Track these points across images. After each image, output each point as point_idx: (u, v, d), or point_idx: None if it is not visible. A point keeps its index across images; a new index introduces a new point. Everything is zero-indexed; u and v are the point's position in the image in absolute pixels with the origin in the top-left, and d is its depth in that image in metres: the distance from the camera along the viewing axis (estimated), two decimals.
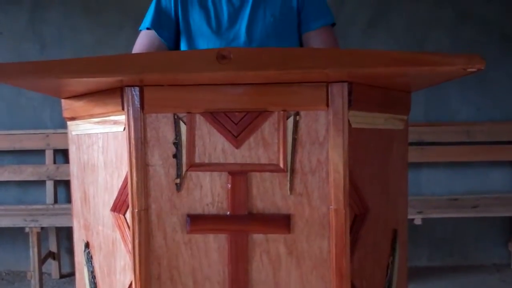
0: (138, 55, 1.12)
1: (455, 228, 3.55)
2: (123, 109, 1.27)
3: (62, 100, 1.52)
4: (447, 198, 3.47)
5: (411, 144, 3.25)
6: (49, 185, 3.53)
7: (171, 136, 1.27)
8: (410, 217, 3.09)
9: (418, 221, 3.20)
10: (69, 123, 1.53)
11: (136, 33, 3.09)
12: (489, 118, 3.42)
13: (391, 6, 3.20)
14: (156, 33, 1.94)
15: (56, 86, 1.25)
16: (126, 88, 1.25)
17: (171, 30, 1.95)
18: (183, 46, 1.94)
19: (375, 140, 1.38)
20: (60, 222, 3.23)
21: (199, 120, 1.26)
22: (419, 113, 3.33)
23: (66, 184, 3.47)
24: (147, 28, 1.97)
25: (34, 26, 3.21)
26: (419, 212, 3.22)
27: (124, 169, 1.29)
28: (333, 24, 1.96)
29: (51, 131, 3.37)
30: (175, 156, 1.27)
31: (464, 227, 3.55)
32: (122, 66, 1.10)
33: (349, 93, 1.23)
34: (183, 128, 1.26)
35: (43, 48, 3.24)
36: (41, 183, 3.46)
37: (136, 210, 1.26)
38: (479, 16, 3.20)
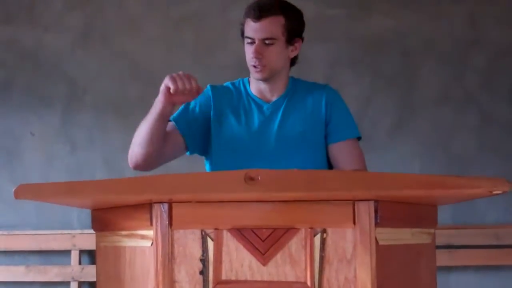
0: (167, 176, 1.14)
1: None
2: (151, 224, 1.29)
3: (91, 211, 1.54)
4: None
5: (439, 247, 3.20)
6: (74, 287, 3.51)
7: (198, 253, 1.27)
8: None
9: None
10: (97, 233, 1.54)
11: None
12: None
13: (415, 109, 3.24)
14: (176, 127, 1.93)
15: (87, 203, 1.28)
16: (154, 204, 1.26)
17: (196, 130, 1.95)
18: (213, 152, 1.97)
19: (403, 255, 1.37)
20: None
21: (226, 236, 1.27)
22: (447, 215, 3.30)
23: (91, 285, 3.45)
24: (171, 120, 1.95)
25: (65, 127, 3.30)
26: None
27: (151, 284, 1.29)
28: (359, 138, 1.99)
29: (78, 231, 3.40)
30: (201, 272, 1.27)
31: None
32: (151, 187, 1.12)
33: (376, 211, 1.24)
34: (210, 244, 1.27)
35: (73, 150, 3.31)
36: (66, 284, 3.45)
37: None
38: (504, 119, 3.23)
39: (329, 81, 3.22)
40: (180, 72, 1.76)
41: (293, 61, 1.99)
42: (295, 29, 1.91)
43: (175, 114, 1.95)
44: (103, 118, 3.29)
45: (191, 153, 2.00)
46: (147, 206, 1.28)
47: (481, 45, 3.23)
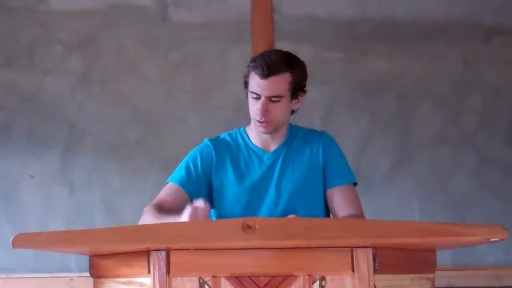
0: (165, 225, 1.15)
1: None
2: (149, 272, 1.29)
3: (89, 257, 1.53)
4: None
5: None
6: None
7: None
8: None
9: None
10: (95, 279, 1.54)
11: (163, 178, 3.14)
12: None
13: (413, 150, 3.25)
14: (182, 188, 1.98)
15: (85, 251, 1.28)
16: (152, 251, 1.27)
17: (200, 188, 1.99)
18: (216, 205, 1.99)
19: None
20: None
21: (224, 284, 1.27)
22: (446, 257, 3.28)
23: None
24: (174, 182, 2.01)
25: (64, 170, 3.30)
26: None
27: None
28: (355, 183, 2.02)
29: (76, 274, 3.37)
30: None
31: None
32: (149, 236, 1.12)
33: (374, 258, 1.24)
34: None
35: (72, 192, 3.31)
36: None
37: None
38: (501, 159, 3.23)
39: (326, 122, 3.27)
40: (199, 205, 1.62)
41: (292, 113, 2.03)
42: (300, 83, 1.94)
43: (178, 176, 2.01)
44: (102, 161, 3.30)
45: None
46: (145, 254, 1.28)
47: (477, 86, 3.26)
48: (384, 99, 3.24)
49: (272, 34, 3.24)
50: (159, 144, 3.29)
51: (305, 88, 1.99)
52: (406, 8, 3.23)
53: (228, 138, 2.07)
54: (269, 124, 1.92)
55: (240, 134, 2.07)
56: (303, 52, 3.22)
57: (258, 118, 1.91)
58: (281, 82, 1.89)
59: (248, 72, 1.94)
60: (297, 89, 1.94)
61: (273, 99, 1.89)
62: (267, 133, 1.96)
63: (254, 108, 1.91)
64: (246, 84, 1.96)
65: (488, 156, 3.25)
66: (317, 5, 3.25)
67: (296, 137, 2.04)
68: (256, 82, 1.90)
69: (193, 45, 3.28)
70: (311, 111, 3.23)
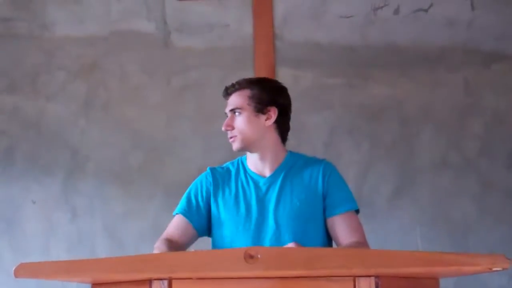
0: (167, 255, 1.15)
1: None
2: None
3: (91, 286, 1.53)
4: None
5: None
6: None
7: None
8: None
9: None
10: None
11: (165, 204, 3.17)
12: None
13: (415, 176, 3.25)
14: (186, 219, 2.03)
15: (87, 280, 1.28)
16: (154, 281, 1.26)
17: (201, 217, 2.04)
18: (214, 232, 2.00)
19: None
20: None
21: None
22: (449, 284, 3.26)
23: None
24: (179, 213, 2.06)
25: (66, 195, 3.31)
26: None
27: None
28: (357, 211, 2.02)
29: None
30: None
31: None
32: (152, 266, 1.12)
33: (377, 287, 1.23)
34: None
35: (74, 218, 3.31)
36: None
37: None
38: (504, 185, 3.23)
39: (328, 148, 3.28)
40: None
41: (283, 135, 2.08)
42: (263, 98, 2.02)
43: (181, 207, 2.07)
44: (104, 186, 3.30)
45: (201, 236, 2.08)
46: (147, 283, 1.28)
47: (478, 111, 3.27)
48: (385, 125, 3.25)
49: (274, 60, 3.26)
50: (161, 170, 3.30)
51: (280, 105, 2.05)
52: (407, 34, 3.26)
53: (230, 166, 2.12)
54: (235, 138, 2.02)
55: (241, 161, 2.12)
56: (304, 78, 3.29)
57: (228, 136, 2.04)
58: (239, 96, 2.04)
59: None
60: (263, 103, 2.02)
61: (235, 112, 2.02)
62: (237, 149, 2.03)
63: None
64: None
65: (490, 181, 3.25)
66: (318, 31, 3.27)
67: (295, 164, 2.06)
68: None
69: (196, 71, 3.31)
70: (313, 136, 3.25)
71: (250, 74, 3.21)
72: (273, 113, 2.03)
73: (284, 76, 3.23)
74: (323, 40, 3.27)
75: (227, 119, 2.05)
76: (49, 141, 3.33)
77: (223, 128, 2.05)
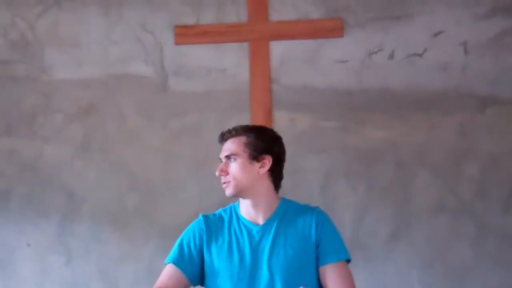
0: None
1: None
2: None
3: None
4: None
5: None
6: None
7: None
8: None
9: None
10: None
11: (161, 247, 3.15)
12: None
13: (411, 219, 3.24)
14: (178, 268, 2.03)
15: None
16: None
17: (194, 266, 2.04)
18: (207, 281, 2.00)
19: None
20: None
21: None
22: None
23: None
24: (171, 262, 2.06)
25: (61, 238, 3.29)
26: None
27: None
28: (348, 260, 2.04)
29: None
30: None
31: None
32: None
33: None
34: None
35: (69, 260, 3.28)
36: None
37: None
38: (500, 228, 3.22)
39: (324, 191, 3.28)
40: None
41: (276, 183, 2.09)
42: (259, 146, 2.04)
43: (173, 256, 2.06)
44: (99, 229, 3.29)
45: (194, 285, 2.08)
46: None
47: (474, 155, 3.28)
48: (381, 168, 3.27)
49: (271, 103, 3.29)
50: (157, 212, 3.29)
51: (275, 154, 2.07)
52: (401, 78, 3.29)
53: (222, 214, 2.13)
54: (229, 184, 2.03)
55: (234, 208, 2.12)
56: (301, 121, 3.31)
57: (221, 181, 2.05)
58: (235, 142, 2.05)
59: None
60: (258, 151, 2.03)
61: (231, 158, 2.04)
62: (230, 195, 2.04)
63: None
64: None
65: (487, 225, 3.25)
66: (314, 75, 3.31)
67: (288, 212, 2.07)
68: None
69: (192, 114, 3.33)
70: (309, 179, 3.26)
71: (246, 118, 3.24)
72: (268, 161, 2.05)
73: (280, 119, 3.27)
74: (319, 84, 3.31)
75: (222, 164, 2.06)
76: (45, 183, 3.33)
77: (217, 173, 2.06)
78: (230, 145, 2.06)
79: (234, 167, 2.03)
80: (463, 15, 3.29)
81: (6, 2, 3.36)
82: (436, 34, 3.30)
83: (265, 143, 2.06)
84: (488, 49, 3.28)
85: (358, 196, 3.27)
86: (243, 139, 2.05)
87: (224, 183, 2.04)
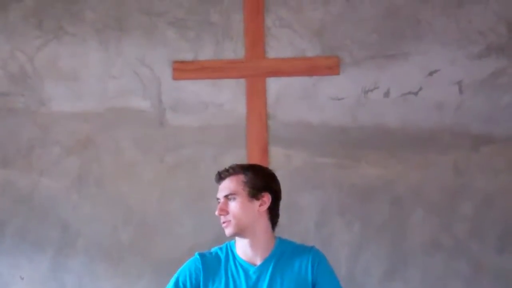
0: None
1: None
2: None
3: None
4: None
5: None
6: None
7: None
8: None
9: None
10: None
11: (154, 283, 3.13)
12: None
13: (406, 257, 3.23)
14: None
15: None
16: None
17: None
18: None
19: None
20: None
21: None
22: None
23: None
24: None
25: (55, 273, 3.26)
26: None
27: None
28: None
29: None
30: None
31: None
32: None
33: None
34: None
35: None
36: None
37: None
38: (494, 267, 3.21)
39: (319, 228, 3.28)
40: None
41: (273, 221, 2.09)
42: (257, 184, 2.04)
43: None
44: (93, 263, 3.27)
45: None
46: None
47: (468, 193, 3.29)
48: (376, 205, 3.27)
49: (267, 139, 3.30)
50: (152, 247, 3.27)
51: (273, 191, 2.08)
52: (397, 116, 3.32)
53: (218, 252, 2.11)
54: (229, 223, 2.02)
55: (230, 247, 2.11)
56: (296, 157, 3.32)
57: (221, 220, 2.03)
58: (233, 181, 2.04)
59: None
60: (257, 189, 2.03)
61: (229, 197, 2.03)
62: (231, 234, 2.03)
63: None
64: None
65: (481, 263, 3.24)
66: (310, 112, 3.33)
67: (284, 252, 2.07)
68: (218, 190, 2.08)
69: (189, 149, 3.34)
70: (304, 216, 3.25)
71: (242, 153, 3.25)
72: (267, 199, 2.05)
73: (276, 155, 3.28)
74: (315, 121, 3.33)
75: (221, 203, 2.04)
76: (41, 216, 3.31)
77: (217, 213, 2.04)
78: (228, 184, 2.04)
79: (234, 206, 2.01)
80: (458, 55, 3.33)
81: (6, 35, 3.40)
82: (431, 73, 3.34)
83: (263, 181, 2.06)
84: (483, 88, 3.32)
85: (353, 233, 3.26)
86: (241, 177, 2.04)
87: (224, 222, 2.02)
